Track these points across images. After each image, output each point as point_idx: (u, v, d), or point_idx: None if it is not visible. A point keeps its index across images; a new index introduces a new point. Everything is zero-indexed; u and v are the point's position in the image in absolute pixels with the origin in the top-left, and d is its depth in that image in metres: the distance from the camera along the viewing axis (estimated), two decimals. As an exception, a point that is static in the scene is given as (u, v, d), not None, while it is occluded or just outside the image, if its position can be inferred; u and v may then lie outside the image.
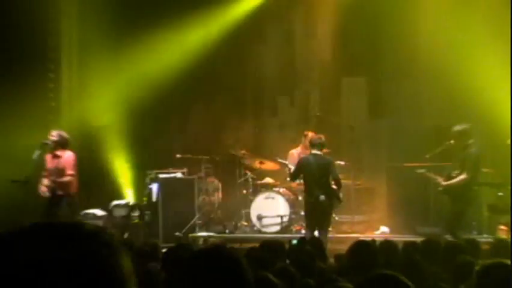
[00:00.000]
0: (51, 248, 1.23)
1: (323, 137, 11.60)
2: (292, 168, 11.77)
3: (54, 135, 11.66)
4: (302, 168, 11.33)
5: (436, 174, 11.37)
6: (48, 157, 11.60)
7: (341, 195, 11.38)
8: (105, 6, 14.34)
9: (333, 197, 11.14)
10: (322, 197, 11.00)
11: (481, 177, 12.25)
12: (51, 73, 14.59)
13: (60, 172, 11.54)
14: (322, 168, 11.13)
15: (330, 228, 11.89)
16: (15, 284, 1.21)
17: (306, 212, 11.60)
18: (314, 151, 11.29)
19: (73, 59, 14.97)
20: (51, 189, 11.50)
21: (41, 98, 13.93)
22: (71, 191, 11.59)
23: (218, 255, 2.77)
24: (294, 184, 12.93)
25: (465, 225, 11.87)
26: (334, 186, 11.18)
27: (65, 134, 11.75)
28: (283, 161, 13.01)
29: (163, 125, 14.64)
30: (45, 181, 11.49)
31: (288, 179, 12.47)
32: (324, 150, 12.81)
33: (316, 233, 10.91)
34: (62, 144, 11.63)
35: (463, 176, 11.06)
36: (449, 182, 11.18)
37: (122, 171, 14.57)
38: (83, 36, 14.79)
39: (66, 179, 11.46)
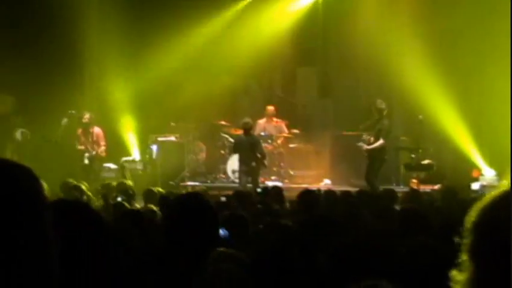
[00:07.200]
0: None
1: (250, 121, 11.70)
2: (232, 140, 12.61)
3: (87, 117, 11.97)
4: (237, 146, 11.68)
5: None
6: (80, 131, 11.85)
7: (265, 162, 11.78)
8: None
9: (259, 164, 11.52)
10: (253, 164, 11.38)
11: (397, 143, 12.35)
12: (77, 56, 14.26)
13: (96, 143, 11.93)
14: (251, 145, 11.39)
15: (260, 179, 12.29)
16: None
17: (240, 174, 11.66)
18: (244, 133, 11.54)
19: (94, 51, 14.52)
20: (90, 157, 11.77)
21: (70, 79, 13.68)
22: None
23: (195, 200, 2.74)
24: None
25: (383, 178, 11.97)
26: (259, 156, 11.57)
27: (92, 115, 11.99)
28: (229, 138, 13.38)
29: (161, 100, 14.35)
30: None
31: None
32: (281, 122, 12.84)
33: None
34: (92, 123, 11.96)
35: (380, 142, 11.13)
36: (370, 147, 11.21)
37: (131, 135, 14.38)
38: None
39: (102, 149, 11.87)
